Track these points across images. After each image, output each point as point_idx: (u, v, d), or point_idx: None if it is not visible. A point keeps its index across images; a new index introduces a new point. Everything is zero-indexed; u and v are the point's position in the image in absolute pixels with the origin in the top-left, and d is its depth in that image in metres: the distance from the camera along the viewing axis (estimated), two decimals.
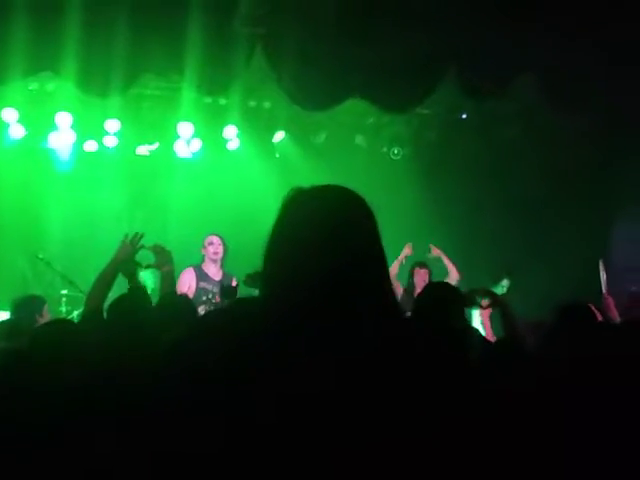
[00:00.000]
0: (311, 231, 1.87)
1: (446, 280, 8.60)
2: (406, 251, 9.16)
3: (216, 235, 8.34)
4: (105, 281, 4.84)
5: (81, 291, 8.16)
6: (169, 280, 5.19)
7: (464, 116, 11.27)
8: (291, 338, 1.77)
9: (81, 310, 8.37)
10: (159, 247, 5.27)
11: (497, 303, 5.20)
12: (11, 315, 6.16)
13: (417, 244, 9.48)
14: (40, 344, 3.50)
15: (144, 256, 5.27)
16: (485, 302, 5.19)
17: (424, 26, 8.01)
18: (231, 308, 2.15)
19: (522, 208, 10.83)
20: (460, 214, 10.94)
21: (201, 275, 8.17)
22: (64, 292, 8.94)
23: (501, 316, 5.11)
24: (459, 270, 8.86)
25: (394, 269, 8.75)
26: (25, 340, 3.85)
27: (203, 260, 8.31)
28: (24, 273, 9.89)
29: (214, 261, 8.23)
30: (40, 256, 8.85)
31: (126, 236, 5.06)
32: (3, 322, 5.48)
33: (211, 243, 8.27)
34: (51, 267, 8.89)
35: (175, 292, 5.40)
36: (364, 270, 1.88)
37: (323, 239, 1.86)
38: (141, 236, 5.07)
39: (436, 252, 9.20)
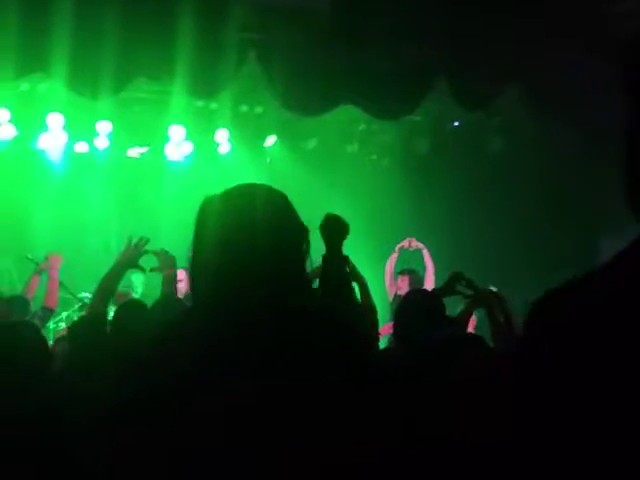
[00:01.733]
0: (222, 236, 1.94)
1: (424, 275, 8.66)
2: (403, 243, 9.13)
3: (186, 270, 7.95)
4: (109, 284, 4.78)
5: (70, 292, 8.15)
6: (170, 284, 5.11)
7: (456, 124, 11.31)
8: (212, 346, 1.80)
9: (70, 311, 8.38)
10: (163, 251, 5.20)
11: (480, 299, 4.97)
12: None
13: (404, 251, 9.50)
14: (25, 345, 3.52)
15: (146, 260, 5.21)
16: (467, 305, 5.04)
17: (415, 35, 8.08)
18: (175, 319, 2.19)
19: (511, 219, 10.86)
20: (448, 223, 10.97)
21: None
22: None
23: (487, 315, 4.93)
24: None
25: (390, 265, 8.77)
26: None
27: None
28: (11, 274, 9.86)
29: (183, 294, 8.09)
30: (29, 256, 8.83)
31: (130, 239, 4.97)
32: None
33: (181, 280, 8.07)
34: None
35: (175, 295, 5.37)
36: (277, 273, 1.90)
37: (229, 245, 1.91)
38: (147, 241, 4.98)
39: (416, 245, 9.13)
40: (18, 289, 8.65)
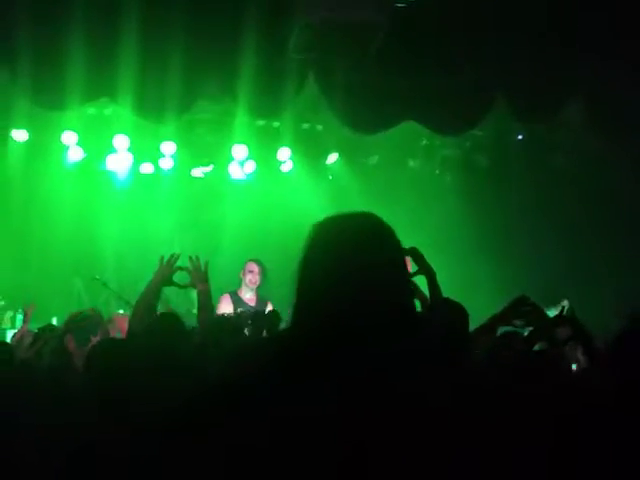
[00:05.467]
0: (334, 264, 1.91)
1: None
2: None
3: (256, 263, 8.35)
4: (145, 304, 4.83)
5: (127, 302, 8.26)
6: (205, 298, 5.14)
7: (520, 137, 11.17)
8: (315, 371, 1.82)
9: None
10: (194, 264, 5.19)
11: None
12: None
13: (469, 267, 9.44)
14: (95, 364, 3.58)
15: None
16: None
17: (474, 49, 8.03)
18: (268, 341, 2.22)
19: (572, 234, 10.70)
20: (510, 237, 10.84)
21: (237, 301, 8.16)
22: (120, 312, 9.07)
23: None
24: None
25: None
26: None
27: (240, 284, 8.33)
28: (80, 293, 10.05)
29: (251, 289, 8.28)
30: (97, 277, 8.99)
31: (162, 258, 5.05)
32: (55, 338, 5.55)
33: (251, 271, 8.28)
34: (107, 287, 9.02)
35: (214, 313, 5.38)
36: (387, 302, 1.91)
37: (346, 271, 1.89)
38: (177, 257, 5.04)
39: None
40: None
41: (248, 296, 8.28)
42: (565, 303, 9.39)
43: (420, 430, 1.78)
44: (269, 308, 7.91)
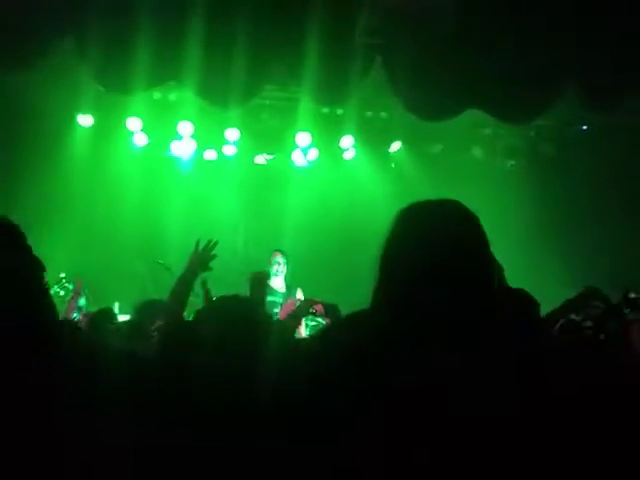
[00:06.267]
0: (424, 249, 1.92)
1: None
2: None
3: (280, 253, 9.08)
4: (183, 289, 4.71)
5: (199, 296, 8.30)
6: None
7: (584, 127, 10.99)
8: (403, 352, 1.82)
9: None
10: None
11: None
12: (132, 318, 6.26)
13: (529, 257, 9.33)
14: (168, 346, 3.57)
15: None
16: None
17: (543, 39, 7.89)
18: (347, 323, 2.22)
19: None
20: (574, 228, 10.67)
21: (269, 290, 8.76)
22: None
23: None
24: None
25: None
26: (145, 343, 3.94)
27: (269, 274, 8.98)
28: (143, 277, 10.15)
29: (278, 277, 9.05)
30: (160, 261, 9.07)
31: (198, 243, 4.75)
32: (125, 322, 5.59)
33: (278, 261, 9.05)
34: (170, 272, 9.09)
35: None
36: (475, 290, 1.91)
37: (434, 258, 1.91)
38: (215, 244, 4.83)
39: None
40: (150, 294, 8.90)
41: (278, 284, 9.02)
42: (632, 296, 9.22)
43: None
44: (299, 294, 8.75)
